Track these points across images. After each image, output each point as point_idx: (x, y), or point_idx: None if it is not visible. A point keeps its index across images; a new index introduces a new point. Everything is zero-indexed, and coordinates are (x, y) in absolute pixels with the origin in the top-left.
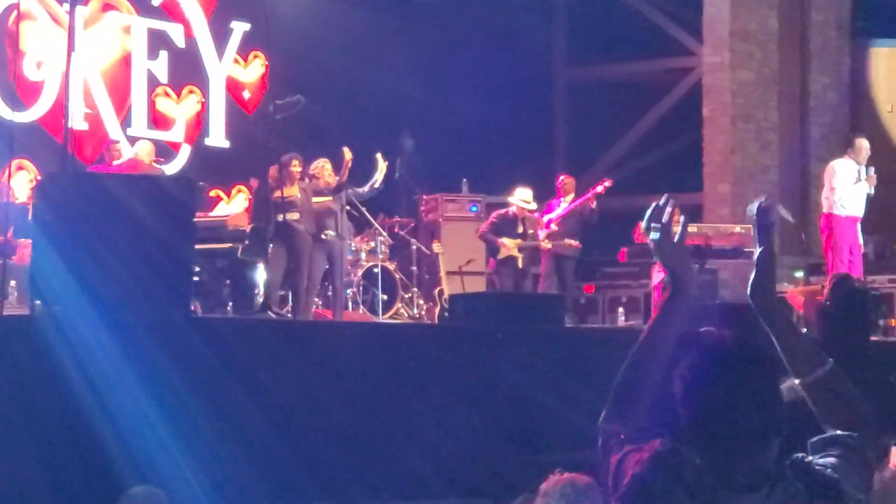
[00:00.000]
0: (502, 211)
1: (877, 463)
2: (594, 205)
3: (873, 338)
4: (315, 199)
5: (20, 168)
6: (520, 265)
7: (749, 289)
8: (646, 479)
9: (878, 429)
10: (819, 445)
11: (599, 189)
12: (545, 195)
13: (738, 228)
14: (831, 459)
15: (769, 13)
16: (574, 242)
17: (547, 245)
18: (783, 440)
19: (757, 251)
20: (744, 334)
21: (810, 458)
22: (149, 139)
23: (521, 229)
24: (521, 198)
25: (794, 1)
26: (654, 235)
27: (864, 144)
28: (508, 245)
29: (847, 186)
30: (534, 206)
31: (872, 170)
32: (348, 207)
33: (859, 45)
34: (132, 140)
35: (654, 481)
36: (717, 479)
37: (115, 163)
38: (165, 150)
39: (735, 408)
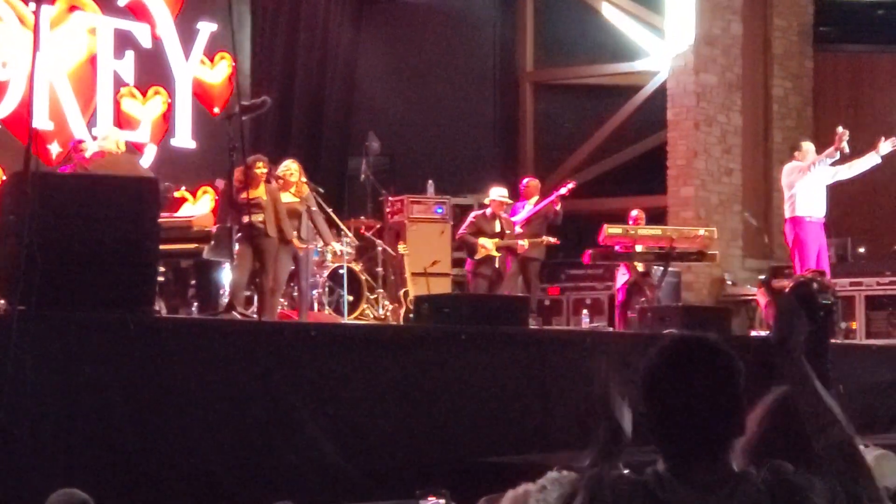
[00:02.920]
0: (479, 212)
1: None
2: (558, 207)
3: (833, 340)
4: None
5: None
6: (497, 265)
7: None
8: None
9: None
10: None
11: (563, 191)
12: (510, 197)
13: (701, 231)
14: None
15: (733, 18)
16: (552, 239)
17: (524, 245)
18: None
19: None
20: (707, 334)
21: (789, 466)
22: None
23: (498, 228)
24: (499, 193)
25: (758, 6)
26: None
27: (810, 147)
28: (487, 246)
29: (819, 170)
30: (510, 200)
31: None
32: (314, 209)
33: (821, 49)
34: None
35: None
36: (677, 478)
37: (88, 155)
38: (131, 151)
39: (694, 406)
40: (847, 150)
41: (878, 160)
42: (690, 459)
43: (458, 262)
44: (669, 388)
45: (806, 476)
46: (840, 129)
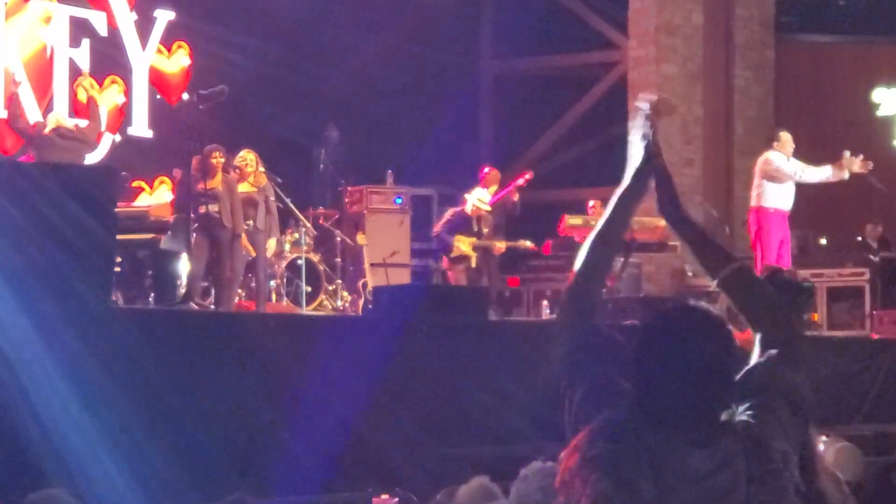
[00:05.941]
0: (458, 209)
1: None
2: (516, 198)
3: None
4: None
5: None
6: (473, 264)
7: (657, 205)
8: (609, 447)
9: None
10: (741, 387)
11: (520, 182)
12: (469, 187)
13: (662, 222)
14: (747, 418)
15: (694, 8)
16: (528, 243)
17: (502, 248)
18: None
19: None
20: (700, 303)
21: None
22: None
23: (476, 228)
24: (478, 197)
25: None
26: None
27: (788, 137)
28: (462, 246)
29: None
30: (489, 207)
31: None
32: (272, 199)
33: (783, 39)
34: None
35: (616, 450)
36: (666, 438)
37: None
38: (84, 140)
39: (687, 371)
40: (847, 176)
41: (845, 177)
42: (678, 420)
43: (417, 253)
44: (664, 350)
45: (748, 422)
46: (847, 153)
